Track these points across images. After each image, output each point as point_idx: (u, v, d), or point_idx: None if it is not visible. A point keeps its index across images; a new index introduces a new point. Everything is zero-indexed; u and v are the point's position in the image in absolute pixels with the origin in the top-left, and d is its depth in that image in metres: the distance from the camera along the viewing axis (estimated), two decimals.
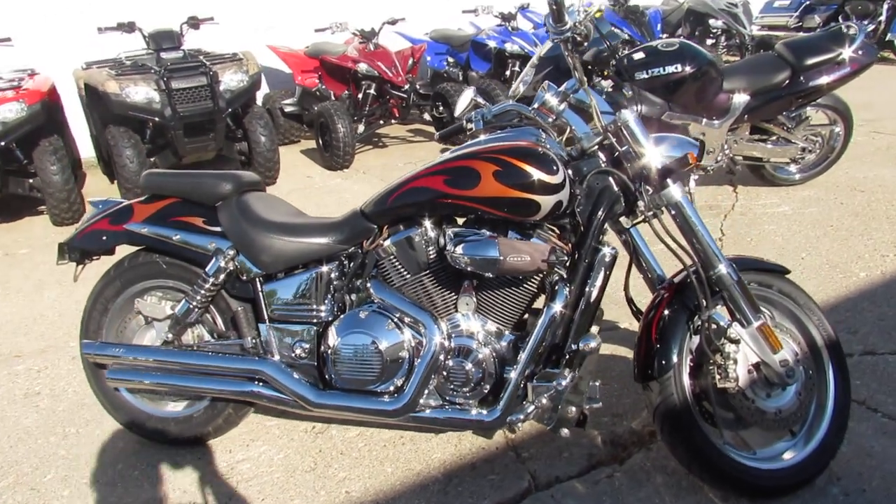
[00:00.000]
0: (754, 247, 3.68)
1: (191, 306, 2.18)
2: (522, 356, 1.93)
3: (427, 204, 1.97)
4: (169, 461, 2.33)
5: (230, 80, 5.08)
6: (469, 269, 1.87)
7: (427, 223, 2.01)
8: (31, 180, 4.83)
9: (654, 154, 1.92)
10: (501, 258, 1.84)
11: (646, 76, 3.94)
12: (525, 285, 2.01)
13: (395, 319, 2.03)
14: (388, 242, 2.04)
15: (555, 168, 1.87)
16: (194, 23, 5.25)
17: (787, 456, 2.00)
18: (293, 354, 2.13)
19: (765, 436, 2.03)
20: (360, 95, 6.07)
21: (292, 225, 2.14)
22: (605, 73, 3.91)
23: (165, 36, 5.13)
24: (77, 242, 2.32)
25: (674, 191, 1.92)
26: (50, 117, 4.83)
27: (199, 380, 2.16)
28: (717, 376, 1.91)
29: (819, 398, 2.05)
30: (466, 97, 2.23)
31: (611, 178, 1.98)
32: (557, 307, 1.93)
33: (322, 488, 2.16)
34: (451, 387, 2.01)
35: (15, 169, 4.79)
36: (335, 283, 2.12)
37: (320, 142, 5.97)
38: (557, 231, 2.05)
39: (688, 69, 3.89)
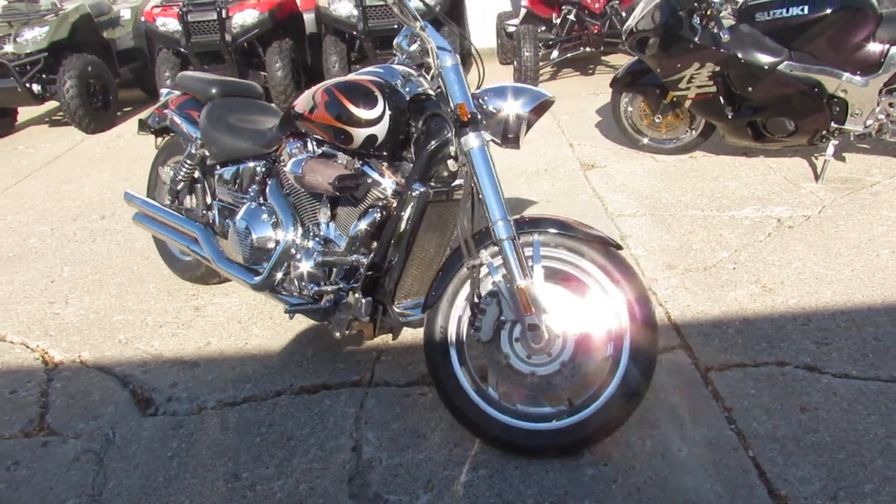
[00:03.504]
0: (867, 241, 3.10)
1: (177, 178, 2.89)
2: (335, 253, 2.24)
3: (295, 121, 2.32)
4: (179, 287, 3.17)
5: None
6: (290, 180, 2.22)
7: (304, 141, 2.37)
8: (264, 73, 6.03)
9: (462, 100, 1.97)
10: (301, 174, 2.15)
11: (766, 18, 3.41)
12: (359, 206, 2.26)
13: (270, 216, 2.47)
14: (282, 152, 2.45)
15: (372, 105, 2.06)
16: None
17: (546, 422, 1.99)
18: (222, 229, 2.71)
19: (533, 396, 2.04)
20: (558, 20, 6.07)
21: (235, 127, 2.66)
22: (708, 10, 3.46)
23: None
24: (148, 120, 3.17)
25: (468, 140, 1.97)
26: (281, 24, 5.92)
27: (168, 231, 2.89)
28: (470, 324, 1.99)
29: (607, 378, 1.97)
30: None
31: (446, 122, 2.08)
32: (362, 225, 2.17)
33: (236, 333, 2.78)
34: (298, 277, 2.41)
35: (254, 63, 6.05)
36: (257, 177, 2.61)
37: (514, 63, 6.19)
38: (385, 163, 2.23)
39: (822, 12, 3.27)
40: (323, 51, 5.81)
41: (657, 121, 4.14)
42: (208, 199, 2.85)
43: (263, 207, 2.51)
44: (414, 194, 2.10)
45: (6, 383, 2.62)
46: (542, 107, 2.15)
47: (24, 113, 6.72)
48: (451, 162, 2.11)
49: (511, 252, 1.92)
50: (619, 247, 2.00)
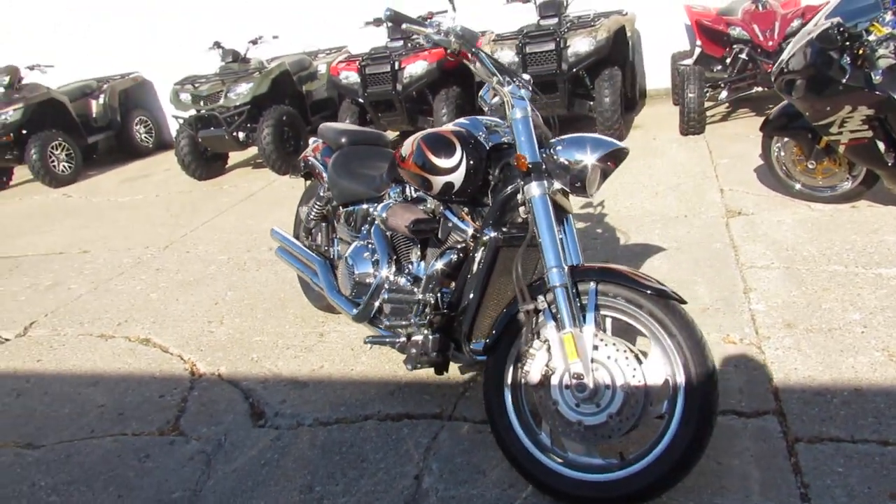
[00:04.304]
0: None
1: (310, 216, 3.25)
2: (414, 291, 2.41)
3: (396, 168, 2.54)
4: (312, 315, 3.53)
5: (578, 44, 5.66)
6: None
7: (403, 186, 2.58)
8: (590, 103, 6.03)
9: (526, 150, 2.06)
10: (385, 218, 2.34)
11: None
12: (441, 248, 2.40)
13: (372, 254, 2.70)
14: (386, 195, 2.69)
15: (451, 154, 2.21)
16: None
17: (594, 473, 1.96)
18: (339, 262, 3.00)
19: (586, 446, 2.01)
20: (728, 59, 5.80)
21: (355, 173, 2.94)
22: (860, 49, 3.14)
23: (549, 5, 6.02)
24: (299, 164, 3.60)
25: (531, 188, 2.04)
26: (450, 73, 6.26)
27: (298, 264, 3.23)
28: (520, 368, 2.03)
29: (658, 437, 1.90)
30: None
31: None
32: (438, 265, 2.31)
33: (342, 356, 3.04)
34: (392, 311, 2.60)
35: (424, 109, 6.48)
36: (368, 218, 2.87)
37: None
38: (466, 209, 2.35)
39: None
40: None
41: (810, 167, 3.81)
42: (332, 236, 3.16)
43: (368, 246, 2.75)
44: (485, 238, 2.21)
45: (158, 388, 3.10)
46: (614, 156, 2.17)
47: (234, 157, 7.81)
48: (522, 209, 2.19)
49: (563, 299, 1.95)
50: (682, 301, 1.94)
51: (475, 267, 2.24)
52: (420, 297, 2.37)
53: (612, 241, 3.88)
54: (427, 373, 2.78)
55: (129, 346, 3.59)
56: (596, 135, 2.18)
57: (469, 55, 2.16)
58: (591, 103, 5.98)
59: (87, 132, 8.51)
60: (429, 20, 2.11)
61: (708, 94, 5.82)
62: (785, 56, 3.55)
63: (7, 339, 3.94)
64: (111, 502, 2.39)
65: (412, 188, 2.58)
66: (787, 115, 3.78)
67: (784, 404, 2.29)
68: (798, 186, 3.94)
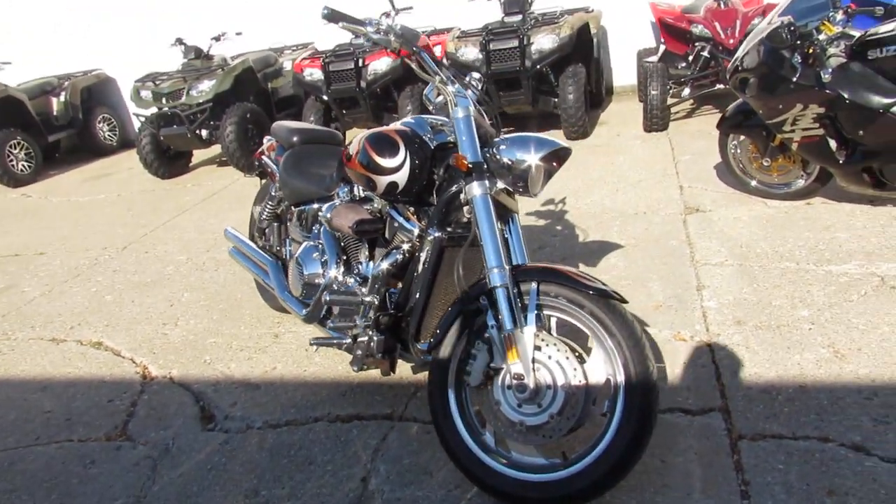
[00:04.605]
0: None
1: (262, 216, 3.21)
2: (360, 288, 2.39)
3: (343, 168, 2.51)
4: (268, 315, 3.48)
5: (541, 41, 5.65)
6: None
7: (351, 185, 2.55)
8: (555, 99, 6.02)
9: (467, 150, 2.04)
10: (329, 218, 2.31)
11: (880, 55, 3.09)
12: (392, 246, 2.38)
13: (322, 255, 2.66)
14: (335, 195, 2.65)
15: (394, 154, 2.19)
16: None
17: (537, 473, 1.95)
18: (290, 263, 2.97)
19: (527, 446, 2.00)
20: (691, 57, 5.84)
21: (305, 172, 2.90)
22: (810, 48, 3.18)
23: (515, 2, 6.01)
24: (253, 163, 3.54)
25: (472, 188, 2.02)
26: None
27: (250, 264, 3.19)
28: (463, 368, 2.02)
29: (599, 437, 1.90)
30: None
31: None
32: (383, 266, 2.29)
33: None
34: (340, 312, 2.57)
35: (388, 106, 6.44)
36: (319, 218, 2.83)
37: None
38: (412, 209, 2.33)
39: None
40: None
41: (766, 164, 3.85)
42: (284, 237, 3.12)
43: (318, 246, 2.71)
44: (430, 238, 2.18)
45: (108, 392, 3.04)
46: (557, 155, 2.15)
47: (198, 155, 7.70)
48: (466, 209, 2.17)
49: (504, 299, 1.94)
50: (623, 301, 1.94)
51: (420, 267, 2.22)
52: (366, 297, 2.35)
53: (571, 238, 3.88)
54: (379, 373, 2.76)
55: (80, 349, 3.52)
56: (539, 134, 2.16)
57: (410, 54, 2.13)
58: (556, 100, 5.98)
59: (47, 130, 8.33)
60: (368, 20, 2.08)
61: (671, 92, 5.85)
62: (739, 54, 3.58)
63: None
64: None
65: (357, 187, 2.55)
66: (742, 112, 3.81)
67: (730, 401, 2.30)
68: (754, 183, 3.98)
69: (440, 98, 2.25)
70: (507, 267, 1.96)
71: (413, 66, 2.18)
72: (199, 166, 7.51)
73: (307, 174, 2.88)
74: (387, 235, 2.41)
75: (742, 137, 3.93)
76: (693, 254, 3.45)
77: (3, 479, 2.54)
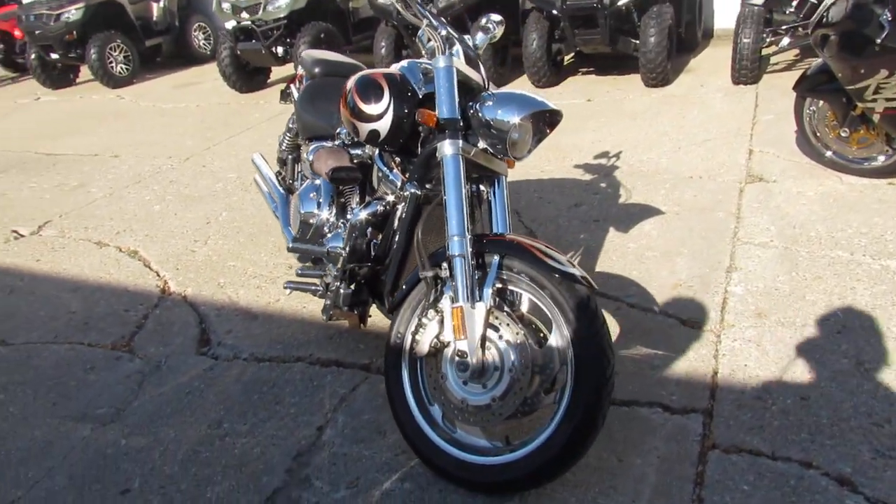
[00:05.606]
0: None
1: (282, 147, 3.16)
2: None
3: None
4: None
5: None
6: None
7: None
8: (635, 41, 5.56)
9: (443, 104, 1.88)
10: (311, 161, 2.22)
11: None
12: (375, 196, 2.28)
13: (318, 195, 2.59)
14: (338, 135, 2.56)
15: (378, 100, 2.05)
16: None
17: (478, 455, 1.86)
18: None
19: (472, 426, 1.91)
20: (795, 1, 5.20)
21: (319, 107, 2.81)
22: None
23: None
24: (287, 90, 3.49)
25: (444, 146, 1.87)
26: None
27: (266, 195, 3.17)
28: (416, 336, 1.93)
29: (544, 426, 1.78)
30: None
31: None
32: (362, 215, 2.19)
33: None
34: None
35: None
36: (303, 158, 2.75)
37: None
38: (398, 159, 2.19)
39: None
40: (525, 28, 5.73)
41: (844, 135, 3.41)
42: (297, 170, 3.08)
43: (316, 185, 2.65)
44: (406, 194, 2.07)
45: (127, 302, 3.17)
46: (544, 118, 1.96)
47: (278, 72, 7.73)
48: None
49: (460, 270, 1.81)
50: (591, 286, 1.77)
51: (397, 221, 2.12)
52: (324, 247, 2.28)
53: (612, 198, 3.63)
54: (370, 321, 2.71)
55: (117, 256, 3.68)
56: (526, 93, 1.96)
57: None
58: (637, 42, 5.52)
59: (145, 35, 8.62)
60: None
61: (769, 41, 5.26)
62: (826, 3, 3.11)
63: (22, 236, 4.12)
64: (45, 409, 2.48)
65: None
66: (824, 72, 3.36)
67: (717, 404, 2.10)
68: (829, 154, 3.55)
69: (432, 43, 2.08)
70: (468, 236, 1.82)
71: (398, 6, 2.01)
72: (279, 82, 7.56)
73: (319, 109, 2.78)
74: (374, 184, 2.31)
75: (821, 103, 3.48)
76: (737, 230, 3.14)
77: (17, 371, 2.72)
